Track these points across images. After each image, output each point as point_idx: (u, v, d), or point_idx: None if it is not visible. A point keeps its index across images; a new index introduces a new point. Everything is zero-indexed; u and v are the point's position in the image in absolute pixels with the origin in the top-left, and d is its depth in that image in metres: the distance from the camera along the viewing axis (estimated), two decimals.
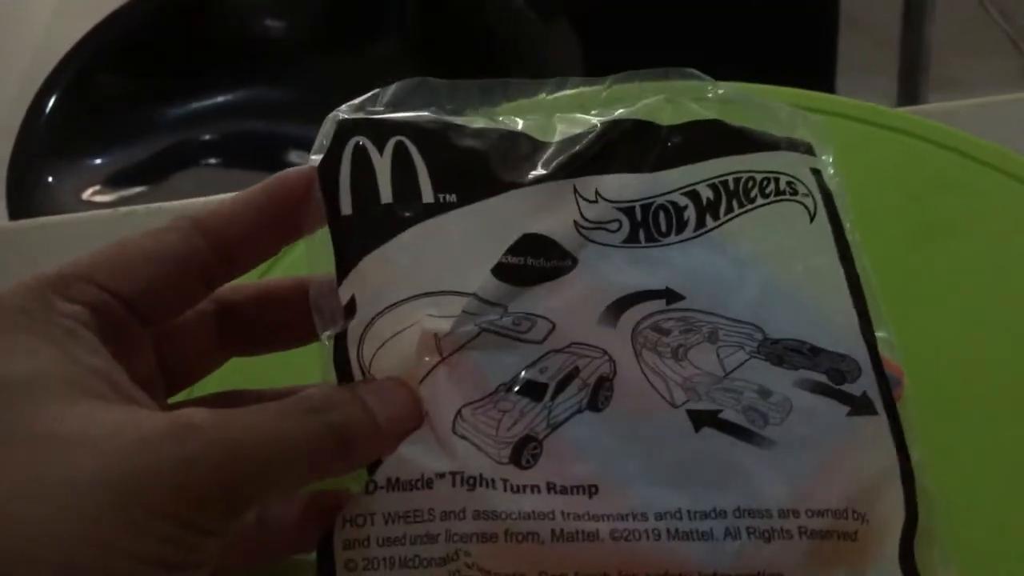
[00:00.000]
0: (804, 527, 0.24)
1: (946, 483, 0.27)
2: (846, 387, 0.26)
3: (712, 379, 0.26)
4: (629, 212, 0.28)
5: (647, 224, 0.28)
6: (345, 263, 0.26)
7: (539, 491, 0.24)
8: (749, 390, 0.26)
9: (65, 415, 0.20)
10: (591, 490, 0.24)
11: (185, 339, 0.27)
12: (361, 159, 0.27)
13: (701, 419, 0.25)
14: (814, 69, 0.88)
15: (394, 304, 0.26)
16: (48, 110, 0.82)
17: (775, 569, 0.24)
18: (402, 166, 0.27)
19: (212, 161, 0.88)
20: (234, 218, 0.25)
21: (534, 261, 0.27)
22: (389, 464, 0.24)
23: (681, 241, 0.28)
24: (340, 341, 0.26)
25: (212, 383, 0.29)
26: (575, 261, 0.27)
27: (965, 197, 0.39)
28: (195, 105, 0.88)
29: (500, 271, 0.26)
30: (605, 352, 0.26)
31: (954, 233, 0.38)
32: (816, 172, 0.31)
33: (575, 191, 0.28)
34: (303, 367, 0.28)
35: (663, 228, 0.28)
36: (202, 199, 0.51)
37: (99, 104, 0.85)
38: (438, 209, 0.27)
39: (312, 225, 0.27)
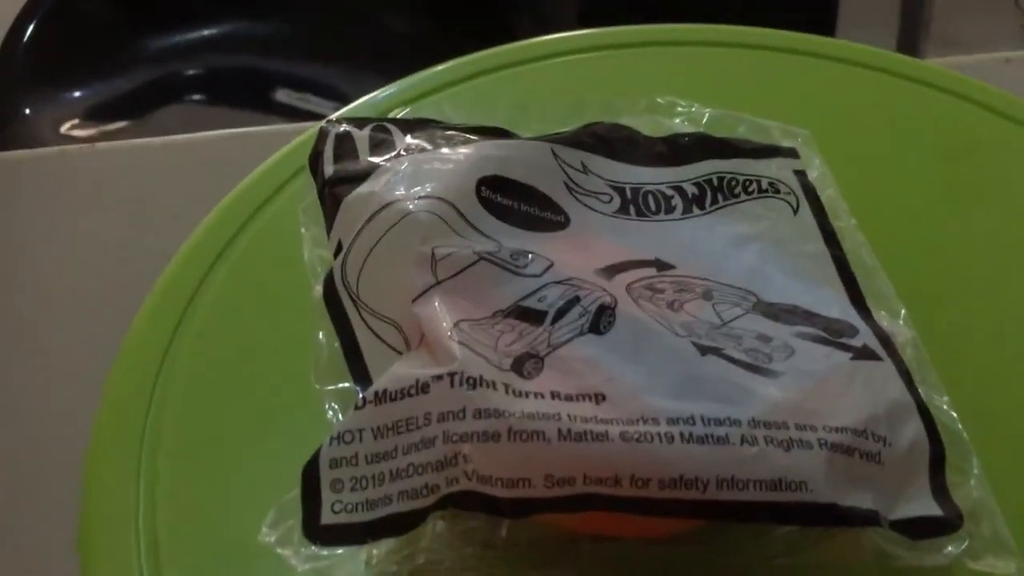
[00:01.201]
0: (824, 439, 0.23)
1: (975, 439, 0.26)
2: (845, 340, 0.26)
3: (711, 326, 0.25)
4: (619, 190, 0.30)
5: (637, 203, 0.29)
6: (330, 216, 0.28)
7: (543, 397, 0.22)
8: (749, 336, 0.25)
9: None
10: (598, 398, 0.22)
11: None
12: (344, 137, 0.29)
13: (706, 350, 0.24)
14: (815, 20, 0.87)
15: (370, 218, 0.26)
16: (26, 38, 0.79)
17: (798, 476, 0.22)
18: (380, 136, 0.29)
19: (196, 97, 0.85)
20: None
21: (528, 208, 0.28)
22: (380, 380, 0.23)
23: (672, 220, 0.29)
24: (328, 279, 0.26)
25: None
26: (568, 219, 0.28)
27: (997, 156, 0.37)
28: (181, 37, 0.85)
29: (491, 207, 0.27)
30: (604, 288, 0.25)
31: (985, 195, 0.36)
32: (799, 173, 0.32)
33: (553, 154, 0.29)
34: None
35: (652, 208, 0.30)
36: (184, 136, 0.50)
37: (80, 33, 0.83)
38: (413, 151, 0.28)
39: None
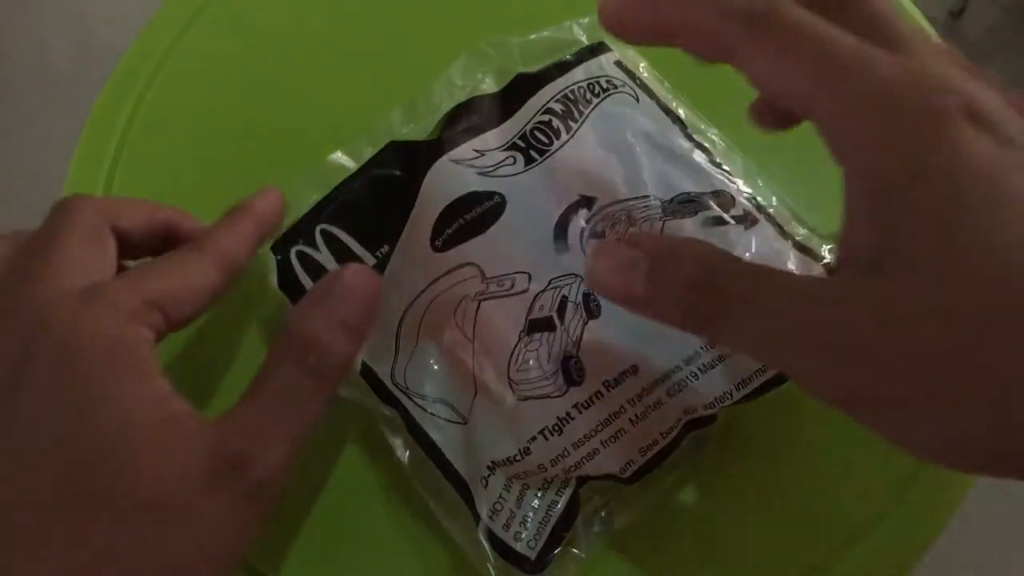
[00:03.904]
0: None
1: None
2: (732, 212, 0.32)
3: None
4: (513, 147, 0.34)
5: (531, 144, 0.34)
6: None
7: (602, 396, 0.29)
8: None
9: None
10: (633, 370, 0.29)
11: None
12: (308, 260, 0.33)
13: None
14: None
15: (396, 330, 0.32)
16: None
17: (732, 383, 0.30)
18: (338, 249, 0.33)
19: None
20: (246, 260, 0.30)
21: (468, 215, 0.32)
22: (491, 453, 0.29)
23: (563, 144, 0.34)
24: (372, 381, 0.32)
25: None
26: (502, 197, 0.32)
27: None
28: None
29: (447, 243, 0.31)
30: (579, 276, 0.30)
31: None
32: (619, 63, 0.37)
33: (453, 161, 0.33)
34: None
35: (545, 141, 0.34)
36: None
37: None
38: (381, 266, 0.32)
39: None
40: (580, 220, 0.32)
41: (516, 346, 0.30)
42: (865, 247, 0.22)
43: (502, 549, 0.29)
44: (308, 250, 0.33)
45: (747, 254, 0.31)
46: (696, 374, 0.29)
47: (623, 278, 0.24)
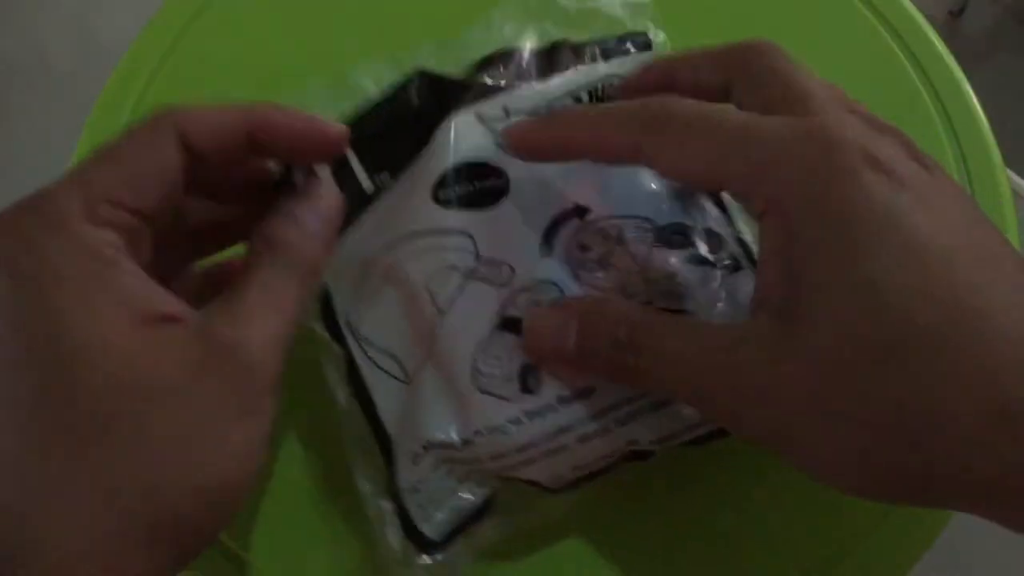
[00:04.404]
0: None
1: None
2: (718, 254, 0.31)
3: (636, 278, 0.30)
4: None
5: None
6: None
7: (554, 409, 0.28)
8: (662, 278, 0.30)
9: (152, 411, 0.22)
10: (588, 391, 0.28)
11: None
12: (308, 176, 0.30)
13: None
14: None
15: (368, 261, 0.30)
16: None
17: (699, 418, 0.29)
18: (337, 161, 0.30)
19: None
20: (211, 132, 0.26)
21: (479, 183, 0.31)
22: (428, 430, 0.29)
23: None
24: (330, 319, 0.31)
25: None
26: (507, 181, 0.31)
27: None
28: None
29: (449, 202, 0.30)
30: (555, 284, 0.30)
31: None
32: None
33: (479, 117, 0.32)
34: None
35: None
36: None
37: None
38: (377, 195, 0.31)
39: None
40: (570, 230, 0.31)
41: (488, 337, 0.29)
42: (775, 293, 0.24)
43: (408, 525, 0.29)
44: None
45: (719, 299, 0.30)
46: (650, 408, 0.29)
47: (557, 342, 0.27)
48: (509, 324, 0.29)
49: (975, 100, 0.39)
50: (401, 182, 0.32)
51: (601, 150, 0.27)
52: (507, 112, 0.32)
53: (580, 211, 0.31)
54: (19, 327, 0.21)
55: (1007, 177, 0.38)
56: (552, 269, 0.30)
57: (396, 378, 0.30)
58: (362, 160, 0.32)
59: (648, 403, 0.29)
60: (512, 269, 0.30)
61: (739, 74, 0.27)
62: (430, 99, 0.33)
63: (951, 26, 1.44)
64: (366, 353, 0.31)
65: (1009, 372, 0.21)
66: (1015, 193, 0.38)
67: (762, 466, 0.33)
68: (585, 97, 0.33)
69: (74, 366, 0.21)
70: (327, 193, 0.28)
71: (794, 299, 0.23)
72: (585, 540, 0.32)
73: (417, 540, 0.29)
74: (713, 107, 0.25)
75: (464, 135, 0.32)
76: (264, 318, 0.24)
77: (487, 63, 0.34)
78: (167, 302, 0.24)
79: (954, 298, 0.21)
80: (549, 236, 0.31)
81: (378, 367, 0.30)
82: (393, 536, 0.29)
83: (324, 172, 0.28)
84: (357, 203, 0.32)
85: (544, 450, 0.29)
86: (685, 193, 0.32)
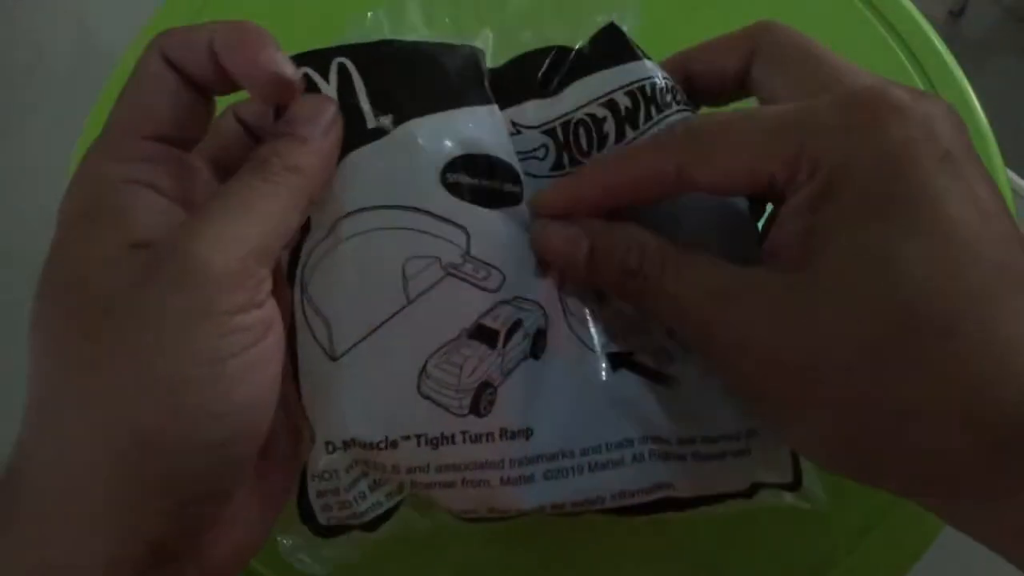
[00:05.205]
0: (698, 452, 0.27)
1: None
2: None
3: (627, 321, 0.28)
4: (551, 133, 0.30)
5: (569, 144, 0.29)
6: None
7: (492, 439, 0.26)
8: (657, 331, 0.28)
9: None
10: (528, 433, 0.26)
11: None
12: (310, 85, 0.28)
13: (617, 362, 0.28)
14: None
15: (343, 216, 0.27)
16: None
17: (669, 479, 0.27)
18: (345, 91, 0.28)
19: None
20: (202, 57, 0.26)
21: (491, 181, 0.28)
22: (352, 426, 0.26)
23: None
24: (294, 255, 0.28)
25: None
26: (522, 190, 0.29)
27: None
28: None
29: (456, 188, 0.28)
30: (540, 306, 0.27)
31: None
32: None
33: (511, 122, 0.30)
34: None
35: (584, 146, 0.29)
36: None
37: None
38: (378, 133, 0.28)
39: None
40: None
41: (452, 341, 0.26)
42: (791, 247, 0.24)
43: (306, 510, 0.27)
44: (315, 76, 0.28)
45: (725, 397, 0.28)
46: (582, 467, 0.27)
47: (569, 247, 0.27)
48: (482, 334, 0.27)
49: (975, 100, 0.39)
50: (407, 142, 0.28)
51: (640, 188, 0.26)
52: (516, 128, 0.30)
53: None
54: (54, 267, 0.23)
55: (1007, 177, 0.38)
56: (542, 292, 0.28)
57: (324, 352, 0.27)
58: (369, 90, 0.28)
59: (584, 462, 0.27)
60: (503, 276, 0.27)
61: (763, 55, 0.27)
62: (467, 73, 0.29)
63: (951, 26, 1.44)
64: (304, 309, 0.27)
65: (1005, 385, 0.21)
66: (1015, 193, 0.38)
67: None
68: (624, 103, 0.29)
69: (69, 292, 0.23)
70: (324, 104, 0.27)
71: (811, 259, 0.23)
72: (562, 549, 0.32)
73: (310, 521, 0.27)
74: (738, 110, 0.25)
75: (489, 126, 0.29)
76: (220, 223, 0.23)
77: (511, 65, 0.31)
78: (149, 227, 0.23)
79: (968, 297, 0.21)
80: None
81: (311, 333, 0.27)
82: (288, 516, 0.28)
83: (330, 89, 0.27)
84: (355, 135, 0.28)
85: (465, 479, 0.26)
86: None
